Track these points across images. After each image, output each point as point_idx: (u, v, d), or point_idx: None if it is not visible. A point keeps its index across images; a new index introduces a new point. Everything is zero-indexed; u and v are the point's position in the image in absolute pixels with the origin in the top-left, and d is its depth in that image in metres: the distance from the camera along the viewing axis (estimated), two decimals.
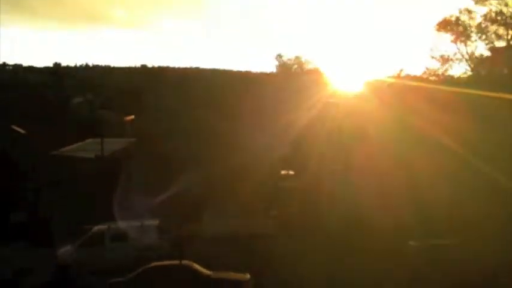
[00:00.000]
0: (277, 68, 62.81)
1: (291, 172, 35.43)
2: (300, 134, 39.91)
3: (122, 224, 24.05)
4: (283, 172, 35.41)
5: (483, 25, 38.92)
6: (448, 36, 40.45)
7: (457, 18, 39.86)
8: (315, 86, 52.94)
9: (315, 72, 59.73)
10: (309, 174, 33.01)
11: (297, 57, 61.46)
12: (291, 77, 59.34)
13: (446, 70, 41.35)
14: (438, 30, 40.54)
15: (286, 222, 29.29)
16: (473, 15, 39.29)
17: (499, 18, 38.47)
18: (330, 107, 44.98)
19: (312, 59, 60.71)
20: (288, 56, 61.84)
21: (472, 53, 40.15)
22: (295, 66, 61.09)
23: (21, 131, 40.07)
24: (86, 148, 38.67)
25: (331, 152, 34.39)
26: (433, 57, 41.14)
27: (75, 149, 39.09)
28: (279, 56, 61.61)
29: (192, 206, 28.50)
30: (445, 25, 40.22)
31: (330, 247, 24.10)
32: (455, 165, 27.95)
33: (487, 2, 38.47)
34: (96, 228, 24.50)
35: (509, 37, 38.48)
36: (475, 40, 39.67)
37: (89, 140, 41.49)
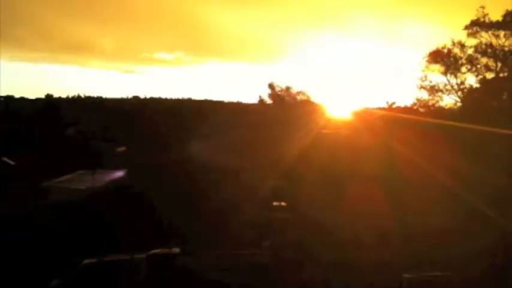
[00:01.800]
0: (269, 98, 62.99)
1: (283, 203, 35.26)
2: (292, 165, 39.97)
3: (111, 257, 23.70)
4: (275, 203, 35.22)
5: (473, 57, 39.56)
6: (438, 67, 41.02)
7: (449, 50, 40.48)
8: (306, 116, 53.27)
9: (307, 102, 60.06)
10: (301, 205, 32.93)
11: (287, 88, 61.73)
12: (282, 108, 59.59)
13: (436, 101, 41.80)
14: (429, 61, 41.10)
15: (279, 253, 28.97)
16: (465, 49, 39.99)
17: (489, 50, 39.17)
18: (322, 137, 45.23)
19: (304, 90, 61.04)
20: (280, 86, 61.99)
21: (462, 83, 40.70)
22: (287, 97, 61.35)
23: (11, 162, 39.81)
24: (77, 179, 38.45)
25: (323, 183, 34.43)
26: (422, 88, 41.61)
27: (67, 180, 38.83)
28: (271, 86, 61.77)
29: (182, 237, 28.23)
30: (436, 56, 40.78)
31: (324, 279, 23.82)
32: (444, 196, 28.16)
33: (478, 35, 39.24)
34: (85, 261, 24.11)
35: (498, 69, 39.14)
36: (465, 72, 40.27)
37: (81, 171, 41.26)
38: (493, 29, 38.52)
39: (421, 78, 41.31)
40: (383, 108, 52.64)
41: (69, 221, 28.90)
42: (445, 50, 40.44)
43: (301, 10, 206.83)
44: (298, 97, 61.33)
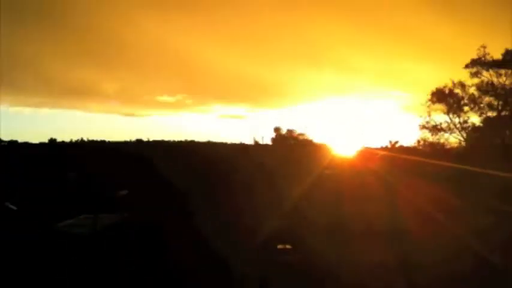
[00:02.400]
0: (272, 141, 63.56)
1: (288, 246, 34.70)
2: (297, 206, 39.65)
3: None
4: (279, 246, 34.66)
5: (476, 96, 39.87)
6: (440, 107, 41.27)
7: (451, 90, 40.82)
8: (309, 157, 53.26)
9: (309, 143, 60.31)
10: (306, 248, 32.42)
11: (289, 131, 62.36)
12: (286, 149, 59.78)
13: (439, 139, 41.87)
14: (432, 101, 41.35)
15: None
16: (466, 88, 40.34)
17: (490, 89, 39.49)
18: (325, 178, 45.05)
19: (305, 131, 61.46)
20: (284, 128, 62.74)
21: (465, 122, 40.84)
22: (291, 139, 61.75)
23: (14, 207, 39.58)
24: (79, 224, 38.06)
25: (328, 224, 34.09)
26: (425, 127, 41.78)
27: (68, 225, 38.44)
28: (277, 129, 62.50)
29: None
30: (439, 96, 41.10)
31: None
32: (445, 236, 27.82)
33: (480, 75, 39.63)
34: None
35: (499, 107, 39.35)
36: (467, 111, 40.49)
37: (83, 216, 40.89)
38: (494, 68, 38.93)
39: (424, 118, 41.57)
40: (386, 148, 52.74)
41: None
42: (447, 90, 40.81)
43: (301, 54, 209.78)
44: (300, 138, 61.76)
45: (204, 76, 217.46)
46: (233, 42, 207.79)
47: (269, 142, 64.16)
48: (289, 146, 60.65)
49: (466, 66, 39.70)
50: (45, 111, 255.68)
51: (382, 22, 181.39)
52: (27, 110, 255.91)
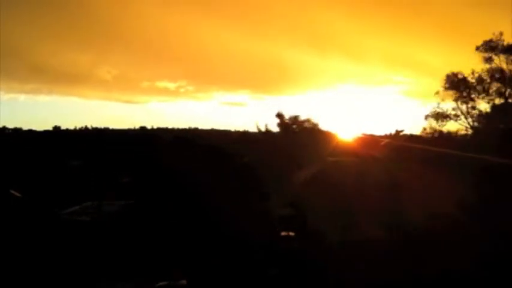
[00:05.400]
0: (278, 127, 62.82)
1: (291, 233, 34.78)
2: (300, 193, 39.58)
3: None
4: (283, 233, 34.73)
5: (486, 82, 39.18)
6: (451, 93, 40.55)
7: (464, 78, 40.09)
8: (314, 144, 53.01)
9: (313, 130, 59.89)
10: (309, 234, 32.51)
11: (295, 116, 61.66)
12: (290, 136, 59.43)
13: (444, 126, 41.42)
14: (445, 88, 40.57)
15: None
16: (476, 74, 39.66)
17: (498, 76, 38.85)
18: (329, 165, 44.88)
19: (310, 117, 60.92)
20: (288, 115, 61.91)
21: (473, 108, 40.28)
22: (294, 126, 61.21)
23: (18, 194, 39.58)
24: (83, 211, 38.14)
25: (332, 210, 34.06)
26: (431, 115, 41.24)
27: (72, 212, 38.53)
28: (279, 116, 61.72)
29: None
30: (452, 83, 40.31)
31: None
32: (448, 224, 27.71)
33: (491, 60, 38.85)
34: None
35: (507, 94, 38.86)
36: (476, 98, 39.88)
37: (87, 203, 40.95)
38: (507, 54, 38.17)
39: (434, 107, 40.87)
40: (390, 136, 52.46)
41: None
42: (460, 76, 40.11)
43: (305, 38, 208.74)
44: (305, 125, 61.22)
45: (206, 61, 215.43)
46: (235, 27, 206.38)
47: (275, 129, 63.10)
48: (293, 132, 60.15)
49: (477, 49, 38.78)
50: (41, 98, 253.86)
51: (389, 8, 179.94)
52: (22, 97, 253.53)
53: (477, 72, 39.56)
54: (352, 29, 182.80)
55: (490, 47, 38.52)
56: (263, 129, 63.35)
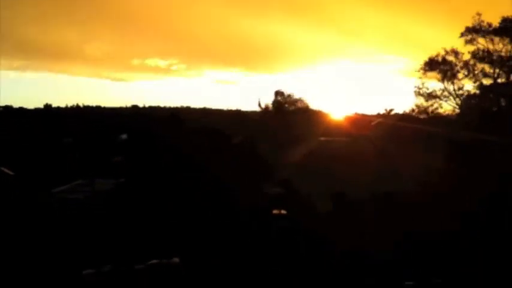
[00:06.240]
0: (272, 106, 62.92)
1: (283, 211, 35.10)
2: (292, 172, 39.90)
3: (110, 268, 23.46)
4: (275, 211, 35.05)
5: (470, 63, 39.70)
6: (434, 74, 41.17)
7: (444, 58, 40.61)
8: (306, 123, 53.22)
9: (307, 110, 60.04)
10: (301, 213, 32.81)
11: (288, 96, 61.77)
12: (283, 115, 59.57)
13: (435, 108, 41.90)
14: (425, 69, 41.27)
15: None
16: (459, 55, 40.11)
17: (485, 56, 39.24)
18: (321, 145, 45.22)
19: (302, 97, 61.05)
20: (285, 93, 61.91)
21: (460, 89, 40.83)
22: (287, 105, 61.36)
23: (10, 172, 39.64)
24: (75, 189, 38.23)
25: (323, 190, 34.43)
26: (420, 95, 41.74)
27: (64, 190, 38.61)
28: (278, 94, 61.74)
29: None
30: (432, 64, 40.94)
31: None
32: (442, 201, 28.23)
33: (474, 42, 39.30)
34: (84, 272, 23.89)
35: (495, 75, 39.19)
36: (462, 78, 40.41)
37: (79, 181, 41.03)
38: (490, 35, 38.64)
39: (418, 86, 41.56)
40: (381, 115, 52.77)
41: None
42: (440, 58, 40.61)
43: (298, 16, 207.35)
44: (297, 104, 61.40)
45: (197, 39, 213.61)
46: (227, 4, 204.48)
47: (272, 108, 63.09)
48: (286, 112, 60.30)
49: (462, 35, 39.39)
50: (29, 75, 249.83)
51: None
52: (12, 74, 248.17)
53: (462, 53, 40.02)
54: (345, 8, 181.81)
55: (474, 31, 38.96)
56: (263, 106, 63.38)
